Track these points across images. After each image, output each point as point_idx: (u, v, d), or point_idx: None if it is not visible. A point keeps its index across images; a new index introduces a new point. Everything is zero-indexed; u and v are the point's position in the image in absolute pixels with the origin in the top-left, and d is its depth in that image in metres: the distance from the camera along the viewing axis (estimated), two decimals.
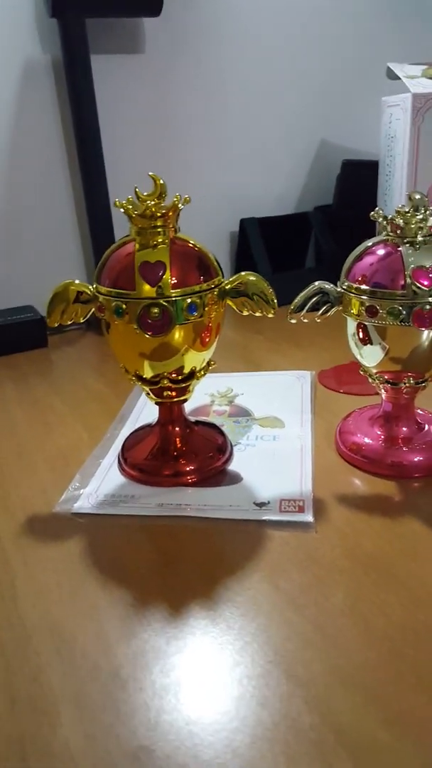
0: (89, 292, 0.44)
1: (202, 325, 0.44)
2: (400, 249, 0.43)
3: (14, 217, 0.86)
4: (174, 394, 0.48)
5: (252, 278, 0.44)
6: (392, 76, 0.84)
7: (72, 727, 0.29)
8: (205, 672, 0.32)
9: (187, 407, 0.52)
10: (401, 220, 0.43)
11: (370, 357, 0.46)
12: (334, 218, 1.02)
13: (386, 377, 0.47)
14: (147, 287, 0.41)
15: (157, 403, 0.49)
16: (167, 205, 0.42)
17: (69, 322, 0.44)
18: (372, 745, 0.28)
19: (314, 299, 0.46)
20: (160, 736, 0.29)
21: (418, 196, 0.43)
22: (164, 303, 0.41)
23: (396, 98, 0.81)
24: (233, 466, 0.50)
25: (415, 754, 0.27)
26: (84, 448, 0.54)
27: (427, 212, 0.43)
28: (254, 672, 0.32)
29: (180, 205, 0.42)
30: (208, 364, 0.48)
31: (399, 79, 0.81)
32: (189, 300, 0.42)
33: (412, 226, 0.43)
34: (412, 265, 0.42)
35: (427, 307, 0.41)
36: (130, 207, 0.41)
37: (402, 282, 0.42)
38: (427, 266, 0.42)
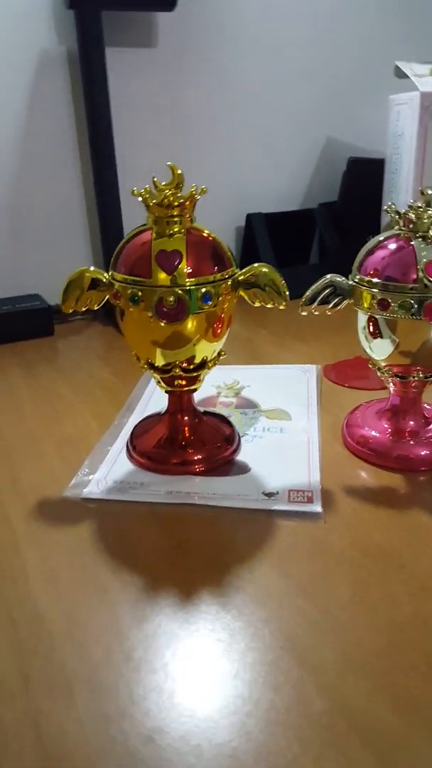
0: (104, 279, 0.44)
1: (214, 316, 0.44)
2: (412, 243, 0.43)
3: (24, 206, 0.86)
4: (184, 383, 0.48)
5: (264, 269, 0.44)
6: (400, 74, 0.84)
7: (86, 707, 0.30)
8: (217, 656, 0.32)
9: (194, 398, 0.52)
10: (414, 215, 0.43)
11: (380, 350, 0.47)
12: (339, 215, 1.02)
13: (395, 371, 0.47)
14: (163, 275, 0.41)
15: (167, 392, 0.50)
16: (184, 195, 0.42)
17: (83, 309, 0.45)
18: (384, 730, 0.28)
19: (325, 292, 0.46)
20: (174, 718, 0.29)
21: (430, 191, 0.44)
22: (180, 291, 0.41)
23: (404, 96, 0.82)
24: (241, 457, 0.50)
25: (427, 739, 0.28)
26: (92, 435, 0.55)
27: None
28: (266, 658, 0.32)
29: (197, 196, 0.42)
30: (219, 354, 0.48)
31: (407, 77, 0.82)
32: (204, 289, 0.42)
33: (425, 220, 0.43)
34: (425, 259, 0.42)
35: None
36: (148, 196, 0.42)
37: (414, 276, 0.42)
38: None
